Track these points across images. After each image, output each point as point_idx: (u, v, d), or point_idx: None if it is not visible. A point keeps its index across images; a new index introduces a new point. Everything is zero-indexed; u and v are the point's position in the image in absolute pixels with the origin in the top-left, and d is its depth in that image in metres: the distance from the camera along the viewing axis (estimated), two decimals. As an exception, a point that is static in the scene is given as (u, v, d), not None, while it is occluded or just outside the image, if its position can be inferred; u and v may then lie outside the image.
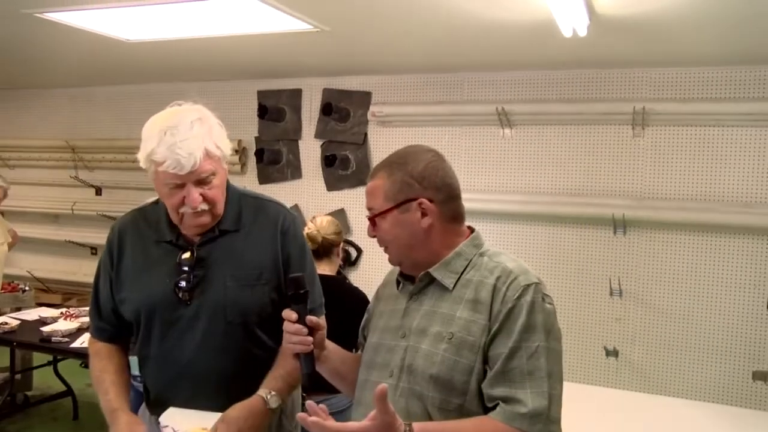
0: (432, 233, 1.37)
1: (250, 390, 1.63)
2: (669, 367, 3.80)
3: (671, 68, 3.74)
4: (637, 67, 3.80)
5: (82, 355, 3.60)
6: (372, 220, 1.41)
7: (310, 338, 1.39)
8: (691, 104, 3.69)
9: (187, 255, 1.65)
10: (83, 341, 3.49)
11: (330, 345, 1.51)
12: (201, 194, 1.56)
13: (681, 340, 3.77)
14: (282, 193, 4.63)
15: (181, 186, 1.55)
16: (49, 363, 4.21)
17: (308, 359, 1.42)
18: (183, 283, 1.63)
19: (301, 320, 1.38)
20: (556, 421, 1.25)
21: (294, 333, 1.37)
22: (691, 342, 3.75)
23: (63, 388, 4.25)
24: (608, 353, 3.84)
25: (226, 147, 1.62)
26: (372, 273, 4.42)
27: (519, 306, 1.26)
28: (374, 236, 1.43)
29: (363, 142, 4.54)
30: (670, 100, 3.74)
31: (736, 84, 3.63)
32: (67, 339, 3.54)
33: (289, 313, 1.39)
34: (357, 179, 4.56)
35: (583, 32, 2.83)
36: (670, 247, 3.78)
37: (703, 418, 2.68)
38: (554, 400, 1.24)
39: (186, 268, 1.64)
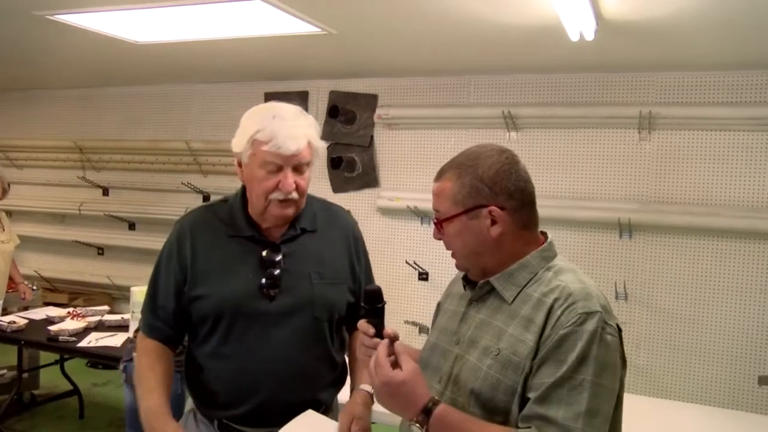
0: (502, 241, 1.28)
1: (319, 387, 1.67)
2: (674, 371, 3.79)
3: (678, 72, 3.74)
4: (644, 71, 3.80)
5: (88, 355, 3.63)
6: (438, 224, 1.34)
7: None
8: (697, 108, 3.69)
9: (267, 251, 1.64)
10: (90, 341, 3.51)
11: (402, 348, 1.47)
12: (295, 181, 1.58)
13: (686, 345, 3.77)
14: (288, 194, 4.63)
15: (279, 170, 1.56)
16: (56, 362, 4.23)
17: None
18: (268, 279, 1.62)
19: (378, 334, 1.33)
20: None
21: (372, 347, 1.32)
22: (697, 346, 3.75)
23: (69, 387, 4.27)
24: (613, 357, 3.83)
25: (321, 145, 1.66)
26: (376, 275, 4.41)
27: (573, 334, 1.16)
28: (440, 239, 1.36)
29: (369, 145, 4.55)
30: (676, 104, 3.74)
31: (742, 88, 3.62)
32: (74, 338, 3.55)
33: (366, 327, 1.34)
34: (363, 181, 4.57)
35: (590, 36, 2.84)
36: (676, 251, 3.78)
37: (709, 422, 2.66)
38: None
39: (270, 264, 1.63)
